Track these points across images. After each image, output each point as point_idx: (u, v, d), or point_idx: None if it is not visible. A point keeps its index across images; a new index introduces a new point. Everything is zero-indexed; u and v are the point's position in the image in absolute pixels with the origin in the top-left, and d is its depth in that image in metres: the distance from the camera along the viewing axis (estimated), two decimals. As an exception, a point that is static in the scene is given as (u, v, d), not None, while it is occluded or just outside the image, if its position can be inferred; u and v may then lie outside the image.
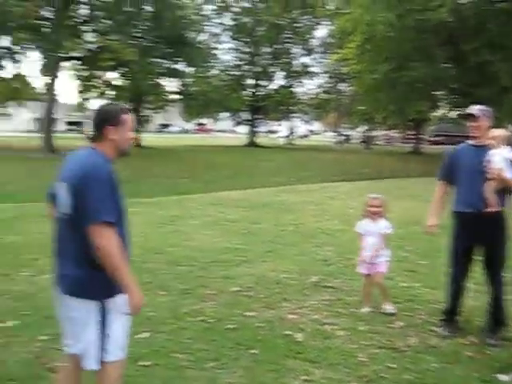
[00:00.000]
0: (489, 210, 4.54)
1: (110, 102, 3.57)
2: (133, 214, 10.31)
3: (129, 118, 2.88)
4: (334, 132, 62.42)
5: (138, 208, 10.97)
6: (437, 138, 61.22)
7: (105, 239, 2.56)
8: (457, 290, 4.88)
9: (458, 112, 32.33)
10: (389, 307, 5.24)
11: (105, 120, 2.81)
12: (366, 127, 49.95)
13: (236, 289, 5.76)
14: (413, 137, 46.98)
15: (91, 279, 2.67)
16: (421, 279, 6.43)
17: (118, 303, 2.74)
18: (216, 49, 43.20)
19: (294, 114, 49.74)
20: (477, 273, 4.91)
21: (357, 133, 61.74)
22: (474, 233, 4.69)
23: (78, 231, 2.65)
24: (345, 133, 62.22)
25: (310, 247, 8.01)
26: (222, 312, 5.01)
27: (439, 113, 42.06)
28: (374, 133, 55.46)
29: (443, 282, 6.16)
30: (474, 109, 4.72)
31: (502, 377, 3.95)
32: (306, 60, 46.54)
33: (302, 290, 5.84)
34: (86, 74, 32.45)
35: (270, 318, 4.92)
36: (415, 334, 4.72)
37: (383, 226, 5.31)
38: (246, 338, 4.38)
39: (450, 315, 4.91)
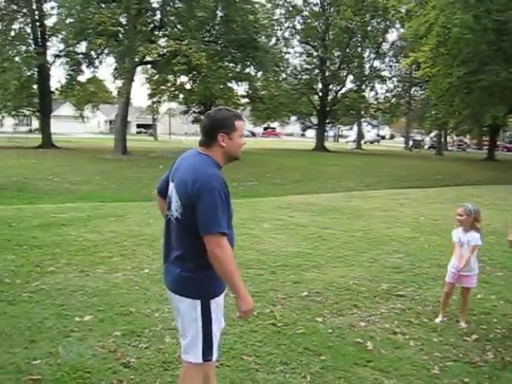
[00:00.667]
0: None
1: (222, 107, 3.68)
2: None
3: (241, 125, 2.91)
4: (404, 137, 61.16)
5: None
6: (513, 145, 59.01)
7: (220, 249, 2.70)
8: None
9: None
10: (463, 324, 5.07)
11: (218, 126, 2.85)
12: (437, 132, 48.60)
13: (305, 294, 5.73)
14: (487, 143, 45.50)
15: (196, 279, 2.82)
16: (497, 291, 6.18)
17: (219, 304, 2.92)
18: (286, 53, 43.34)
19: (363, 119, 49.17)
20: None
21: (428, 138, 60.33)
22: None
23: (186, 234, 2.82)
24: (415, 138, 60.94)
25: (381, 254, 7.86)
26: (291, 316, 5.00)
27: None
28: (447, 138, 53.99)
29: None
30: None
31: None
32: (376, 64, 45.98)
33: (372, 298, 5.75)
34: (158, 77, 33.35)
35: (340, 325, 4.87)
36: (492, 349, 4.54)
37: (472, 237, 5.07)
38: (315, 344, 4.35)
39: None
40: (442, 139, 51.59)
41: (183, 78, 35.28)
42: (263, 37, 36.91)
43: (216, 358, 3.01)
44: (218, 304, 2.92)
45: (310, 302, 5.47)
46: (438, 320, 5.14)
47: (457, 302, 5.31)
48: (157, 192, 3.15)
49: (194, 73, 31.42)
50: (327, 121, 46.49)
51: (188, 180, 2.77)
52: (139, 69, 33.94)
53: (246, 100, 39.49)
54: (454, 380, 3.91)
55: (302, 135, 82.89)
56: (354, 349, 4.34)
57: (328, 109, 44.14)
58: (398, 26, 42.77)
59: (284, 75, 43.08)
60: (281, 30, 43.74)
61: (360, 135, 55.02)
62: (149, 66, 34.11)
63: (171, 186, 2.92)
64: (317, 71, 44.41)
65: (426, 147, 59.73)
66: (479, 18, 21.15)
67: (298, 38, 44.35)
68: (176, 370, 3.78)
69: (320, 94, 44.65)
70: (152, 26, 31.60)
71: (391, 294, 5.94)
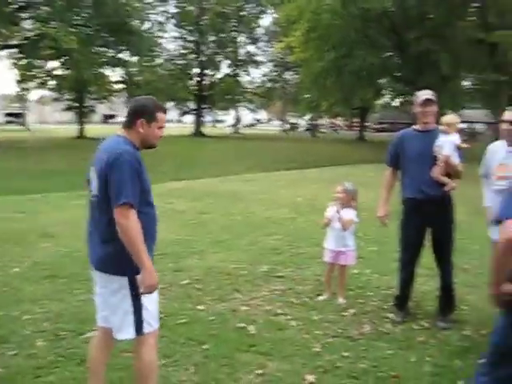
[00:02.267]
0: (446, 189, 4.59)
1: (152, 97, 3.57)
2: (75, 206, 9.96)
3: (163, 117, 3.04)
4: (280, 121, 62.62)
5: (81, 200, 10.60)
6: (380, 126, 62.47)
7: (126, 220, 2.74)
8: (407, 275, 4.89)
9: (402, 99, 33.14)
10: (341, 300, 5.21)
11: (141, 112, 2.95)
12: (311, 115, 50.23)
13: (186, 282, 5.60)
14: (357, 124, 47.77)
15: (122, 256, 2.80)
16: (371, 265, 6.44)
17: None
18: (160, 37, 42.45)
19: (240, 103, 49.56)
20: (426, 258, 4.91)
21: (303, 121, 62.17)
22: (424, 218, 4.69)
23: (105, 212, 2.85)
24: (291, 121, 62.55)
25: (260, 237, 7.93)
26: (172, 306, 4.84)
27: (383, 100, 42.83)
28: (320, 121, 55.98)
29: (393, 268, 6.20)
30: (429, 94, 4.69)
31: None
32: (251, 49, 46.45)
33: (253, 281, 5.75)
34: (24, 63, 31.32)
35: (222, 311, 4.80)
36: (368, 322, 4.70)
37: (350, 213, 5.22)
38: (197, 333, 4.23)
39: (402, 301, 4.92)
40: (316, 122, 53.44)
41: (54, 64, 33.49)
42: (136, 20, 35.85)
43: (155, 328, 3.04)
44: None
45: (191, 290, 5.36)
46: (321, 298, 5.26)
47: (334, 279, 5.43)
48: (86, 180, 3.12)
49: (66, 58, 29.86)
50: (204, 106, 46.35)
51: (103, 158, 2.84)
52: (3, 53, 31.63)
53: (122, 86, 38.30)
54: (334, 356, 3.98)
55: (180, 121, 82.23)
56: (236, 334, 4.29)
57: (205, 94, 43.98)
58: (271, 11, 43.50)
59: (160, 60, 42.25)
60: (155, 14, 42.77)
61: (237, 120, 55.50)
62: (14, 49, 31.85)
63: (92, 169, 2.98)
64: (193, 56, 43.98)
65: (301, 130, 61.58)
66: (347, 4, 21.97)
67: (173, 22, 43.58)
68: (50, 376, 3.52)
69: (196, 79, 44.37)
70: (16, 6, 29.47)
71: (271, 275, 5.98)
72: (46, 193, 12.05)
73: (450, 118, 4.69)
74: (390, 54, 27.05)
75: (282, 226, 8.84)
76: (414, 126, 4.87)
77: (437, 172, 4.56)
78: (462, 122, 36.83)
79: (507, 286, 2.37)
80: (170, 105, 50.55)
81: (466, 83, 32.73)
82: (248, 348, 4.04)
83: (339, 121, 67.70)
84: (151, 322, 3.00)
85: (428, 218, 4.67)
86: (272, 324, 4.55)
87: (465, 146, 4.65)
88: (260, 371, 3.69)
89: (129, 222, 2.74)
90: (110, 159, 2.79)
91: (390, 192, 5.02)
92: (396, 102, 41.00)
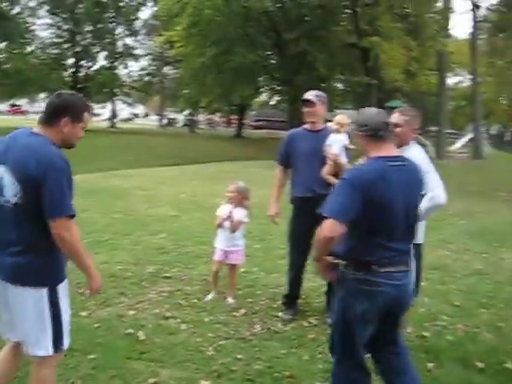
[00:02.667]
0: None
1: (79, 94, 3.18)
2: None
3: (88, 118, 2.81)
4: (158, 115, 61.70)
5: None
6: (258, 123, 63.61)
7: (69, 233, 2.60)
8: (296, 274, 4.93)
9: (279, 97, 33.94)
10: (230, 300, 5.15)
11: (66, 110, 2.69)
12: (189, 111, 49.94)
13: (66, 286, 5.25)
14: (235, 121, 48.24)
15: (41, 266, 2.66)
16: (258, 263, 6.44)
17: (65, 288, 2.79)
18: (32, 23, 39.91)
19: (117, 97, 48.04)
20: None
21: (181, 116, 61.68)
22: (313, 216, 4.73)
23: (27, 219, 2.62)
24: (169, 116, 61.83)
25: (144, 236, 7.66)
26: (52, 313, 4.51)
27: (261, 98, 43.60)
28: (198, 117, 55.83)
29: (280, 266, 6.28)
30: (311, 94, 4.75)
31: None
32: (129, 41, 45.15)
33: (139, 283, 5.51)
34: None
35: (108, 317, 4.53)
36: (259, 321, 4.67)
37: (240, 214, 5.16)
38: (82, 343, 3.91)
39: (291, 299, 4.95)
40: (195, 117, 53.20)
41: None
42: (4, 3, 33.53)
43: (67, 344, 2.84)
44: (64, 288, 2.78)
45: (73, 295, 4.99)
46: (209, 297, 5.16)
47: (223, 279, 5.35)
48: None
49: None
50: (79, 98, 44.39)
51: (29, 161, 2.56)
52: None
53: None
54: (228, 359, 3.89)
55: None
56: (125, 342, 4.05)
57: (80, 86, 42.06)
58: (150, 4, 42.60)
59: (31, 48, 39.79)
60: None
61: (114, 114, 53.84)
62: None
63: (1, 169, 2.65)
64: (67, 45, 41.83)
65: (179, 125, 61.06)
66: (229, 1, 22.02)
67: (46, 8, 41.10)
68: None
69: (71, 70, 42.33)
70: None
71: (158, 276, 5.78)
72: None
73: (341, 117, 4.76)
74: (269, 53, 27.55)
75: (165, 224, 8.62)
76: (304, 126, 4.91)
77: (326, 171, 4.61)
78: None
79: (327, 258, 2.96)
80: (42, 96, 47.95)
81: (338, 84, 34.26)
82: (139, 356, 3.83)
83: (217, 117, 68.01)
84: (65, 340, 2.80)
85: (316, 216, 4.72)
86: (162, 328, 4.36)
87: (352, 147, 4.76)
88: (153, 380, 3.50)
89: (73, 235, 2.61)
90: (42, 164, 2.54)
91: (281, 190, 5.03)
92: (273, 101, 41.97)
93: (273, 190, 5.05)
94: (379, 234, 2.83)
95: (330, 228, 2.75)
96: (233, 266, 5.28)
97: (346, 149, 4.69)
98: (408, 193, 2.88)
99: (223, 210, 5.23)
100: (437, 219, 9.37)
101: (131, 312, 4.69)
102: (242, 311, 4.87)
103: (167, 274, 5.85)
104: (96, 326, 4.33)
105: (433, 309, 5.12)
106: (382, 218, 2.80)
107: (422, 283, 5.91)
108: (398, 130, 3.82)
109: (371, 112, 3.04)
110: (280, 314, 4.84)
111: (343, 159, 4.63)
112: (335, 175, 4.66)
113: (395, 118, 3.93)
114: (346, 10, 27.59)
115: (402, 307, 3.01)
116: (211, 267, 5.47)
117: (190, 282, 5.61)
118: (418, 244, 3.85)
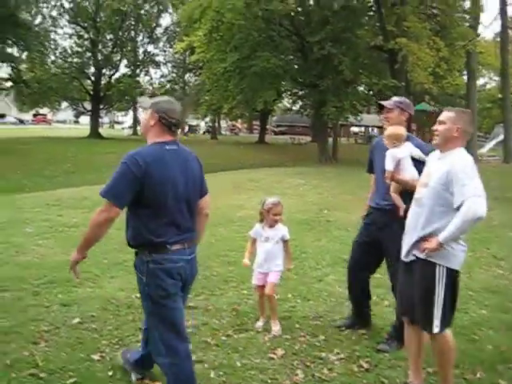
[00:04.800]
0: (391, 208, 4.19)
1: None
2: None
3: None
4: (181, 122, 61.54)
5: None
6: (279, 129, 63.06)
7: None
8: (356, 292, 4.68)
9: (302, 102, 33.17)
10: (275, 328, 4.54)
11: None
12: (211, 117, 49.50)
13: (77, 320, 4.57)
14: (257, 127, 47.70)
15: None
16: (292, 288, 5.74)
17: None
18: (54, 33, 39.92)
19: (138, 104, 47.86)
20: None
21: (203, 123, 61.40)
22: (374, 228, 4.42)
23: None
24: (191, 123, 61.60)
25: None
26: (59, 358, 3.83)
27: (283, 103, 42.91)
28: (220, 123, 55.43)
29: (317, 290, 5.59)
30: (391, 100, 4.33)
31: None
32: (150, 49, 44.99)
33: (160, 315, 4.84)
34: None
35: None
36: (301, 365, 3.97)
37: (282, 232, 4.65)
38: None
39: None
40: (216, 124, 52.72)
41: None
42: (26, 13, 33.41)
43: None
44: None
45: (84, 332, 4.36)
46: (259, 324, 4.65)
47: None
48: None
49: None
50: (101, 106, 44.19)
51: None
52: None
53: (11, 84, 35.62)
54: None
55: (76, 122, 78.67)
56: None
57: (102, 94, 41.87)
58: (171, 10, 42.28)
59: (52, 57, 39.76)
60: (47, 7, 40.09)
61: (136, 121, 53.67)
62: None
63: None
64: (89, 54, 41.66)
65: (201, 132, 60.72)
66: (251, 5, 21.38)
67: (67, 17, 41.06)
68: None
69: (93, 78, 42.14)
70: None
71: (182, 306, 5.10)
72: None
73: (393, 129, 4.19)
74: (292, 57, 26.87)
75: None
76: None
77: (392, 189, 4.19)
78: (359, 125, 37.48)
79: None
80: (64, 105, 47.98)
81: (363, 88, 33.40)
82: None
83: (239, 123, 67.60)
84: None
85: (377, 229, 4.44)
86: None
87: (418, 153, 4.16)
88: None
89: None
90: None
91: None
92: (296, 106, 41.22)
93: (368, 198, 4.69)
94: (162, 216, 3.06)
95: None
96: (268, 285, 4.67)
97: (414, 159, 4.09)
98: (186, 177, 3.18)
99: (258, 231, 4.69)
100: (482, 230, 8.60)
101: (150, 354, 4.02)
102: (280, 352, 4.16)
103: (191, 304, 5.13)
104: (109, 373, 3.67)
105: (502, 346, 4.36)
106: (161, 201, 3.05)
107: (483, 311, 5.22)
108: (440, 127, 3.40)
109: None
110: (324, 354, 4.14)
111: (406, 173, 4.04)
112: (403, 192, 4.11)
113: (442, 115, 3.48)
114: (370, 13, 26.83)
115: (192, 278, 3.32)
116: (240, 294, 4.83)
117: (218, 314, 4.92)
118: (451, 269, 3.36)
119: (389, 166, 4.01)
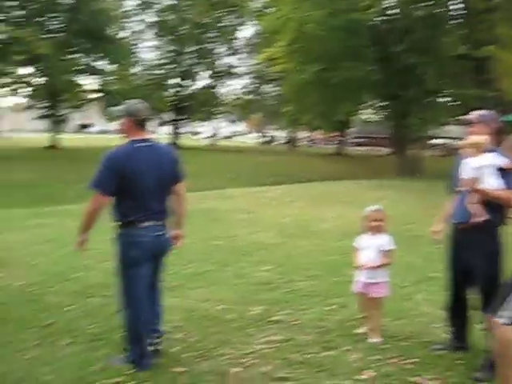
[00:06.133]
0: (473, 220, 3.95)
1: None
2: (36, 226, 8.88)
3: None
4: (259, 133, 61.86)
5: (44, 219, 9.57)
6: (358, 140, 62.20)
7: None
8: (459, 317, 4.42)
9: (383, 113, 32.54)
10: (376, 339, 4.43)
11: None
12: (290, 128, 49.52)
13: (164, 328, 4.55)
14: (336, 138, 47.27)
15: None
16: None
17: None
18: (139, 46, 41.43)
19: (218, 115, 48.60)
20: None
21: (282, 134, 61.53)
22: (461, 246, 4.20)
23: None
24: (269, 134, 61.88)
25: (247, 267, 6.88)
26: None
27: (364, 114, 42.27)
28: (298, 134, 55.31)
29: (407, 309, 5.35)
30: (475, 114, 4.09)
31: None
32: (230, 60, 45.59)
33: (243, 328, 4.70)
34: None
35: (207, 376, 3.76)
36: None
37: (384, 241, 4.53)
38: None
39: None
40: (295, 135, 52.65)
41: (28, 70, 32.18)
42: (114, 28, 34.81)
43: None
44: None
45: (169, 343, 4.30)
46: (361, 330, 4.63)
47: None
48: None
49: (38, 64, 28.64)
50: (181, 117, 45.24)
51: None
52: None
53: (98, 95, 37.09)
54: None
55: (156, 132, 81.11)
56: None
57: (182, 105, 42.90)
58: (251, 22, 42.73)
59: (137, 69, 41.17)
60: (133, 22, 41.68)
61: (215, 131, 54.50)
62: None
63: None
64: (170, 66, 42.91)
65: (279, 142, 60.91)
66: (332, 15, 21.20)
67: (151, 31, 42.54)
68: None
69: (174, 89, 43.27)
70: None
71: (265, 320, 4.95)
72: (5, 208, 10.89)
73: (475, 138, 3.98)
74: (374, 66, 26.41)
75: (269, 252, 7.80)
76: None
77: (468, 200, 4.00)
78: (442, 137, 36.12)
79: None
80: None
81: (447, 98, 32.32)
82: None
83: (319, 134, 67.26)
84: None
85: (465, 247, 4.23)
86: (272, 397, 3.55)
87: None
88: None
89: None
90: None
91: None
92: (377, 117, 40.47)
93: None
94: (133, 200, 3.80)
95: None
96: (374, 300, 4.59)
97: (500, 169, 3.88)
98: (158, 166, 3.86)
99: (364, 242, 4.63)
100: None
101: (235, 369, 3.90)
102: (370, 373, 3.93)
103: (275, 318, 5.01)
104: (192, 387, 3.59)
105: None
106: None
107: None
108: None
109: None
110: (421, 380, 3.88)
111: (485, 184, 3.85)
112: (486, 204, 3.87)
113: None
114: (454, 21, 25.93)
115: (163, 251, 4.03)
116: (327, 309, 4.71)
117: (303, 330, 4.74)
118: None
119: (470, 174, 3.89)
